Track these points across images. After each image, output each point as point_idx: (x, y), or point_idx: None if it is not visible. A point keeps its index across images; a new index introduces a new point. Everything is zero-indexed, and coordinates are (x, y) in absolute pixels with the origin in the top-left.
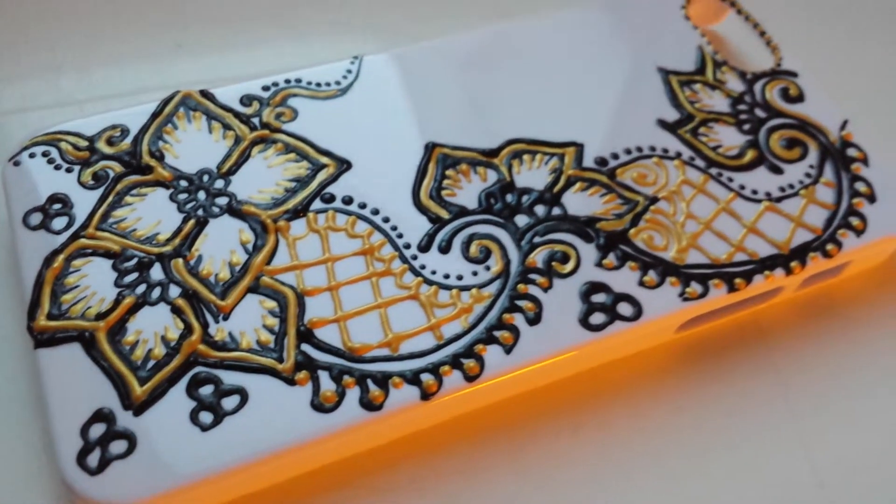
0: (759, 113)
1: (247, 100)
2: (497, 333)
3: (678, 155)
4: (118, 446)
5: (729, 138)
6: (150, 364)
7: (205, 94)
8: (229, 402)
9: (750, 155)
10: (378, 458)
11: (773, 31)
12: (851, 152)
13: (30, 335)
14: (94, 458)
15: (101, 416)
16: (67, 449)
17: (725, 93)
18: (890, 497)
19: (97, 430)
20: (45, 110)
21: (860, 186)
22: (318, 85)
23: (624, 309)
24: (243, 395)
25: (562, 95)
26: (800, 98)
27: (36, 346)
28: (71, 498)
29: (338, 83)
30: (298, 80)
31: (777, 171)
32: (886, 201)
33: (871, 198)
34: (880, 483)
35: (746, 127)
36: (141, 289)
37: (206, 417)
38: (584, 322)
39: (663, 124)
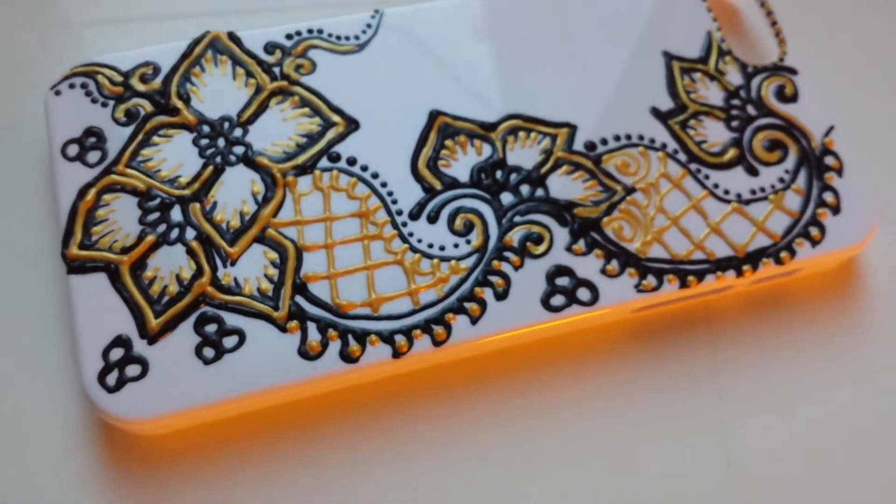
0: (751, 110)
1: (270, 47)
2: (467, 305)
3: (663, 146)
4: (133, 370)
5: (715, 134)
6: (165, 299)
7: (232, 37)
8: (229, 341)
9: (731, 153)
10: (349, 397)
11: (792, 18)
12: (829, 160)
13: (63, 261)
14: (112, 378)
15: (120, 341)
16: (90, 368)
17: (723, 85)
18: (787, 484)
19: (116, 353)
20: (87, 28)
21: (828, 196)
22: (338, 38)
23: (583, 294)
24: (242, 336)
25: (568, 70)
26: (794, 98)
27: (68, 271)
28: (91, 410)
29: (357, 38)
30: (320, 31)
31: (753, 172)
32: (849, 214)
33: (836, 209)
34: (782, 470)
35: (735, 124)
36: (161, 228)
37: (208, 352)
38: (546, 303)
39: (656, 113)
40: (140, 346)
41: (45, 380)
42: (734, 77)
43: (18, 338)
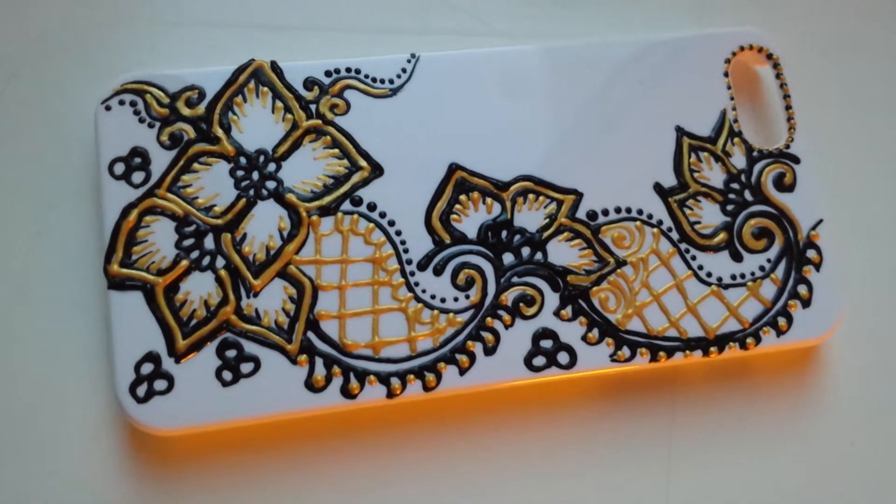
0: (747, 196)
1: (310, 83)
2: (458, 356)
3: (659, 223)
4: (160, 384)
5: (710, 216)
6: (193, 322)
7: (275, 67)
8: (246, 367)
9: (720, 237)
10: (346, 419)
11: (810, 97)
12: (810, 254)
13: (105, 276)
14: (142, 390)
15: (151, 357)
16: (123, 379)
17: (726, 167)
18: None
19: (147, 368)
20: (140, 29)
21: (802, 289)
22: (374, 80)
23: (562, 357)
24: (257, 363)
25: (585, 135)
26: (791, 187)
27: (109, 287)
28: (123, 416)
29: (391, 81)
30: (358, 71)
31: (738, 258)
32: (817, 308)
33: (807, 302)
34: None
35: (730, 208)
36: (195, 255)
37: (227, 375)
38: (528, 362)
39: (658, 189)
40: (168, 364)
41: (81, 383)
42: (738, 160)
43: (60, 342)
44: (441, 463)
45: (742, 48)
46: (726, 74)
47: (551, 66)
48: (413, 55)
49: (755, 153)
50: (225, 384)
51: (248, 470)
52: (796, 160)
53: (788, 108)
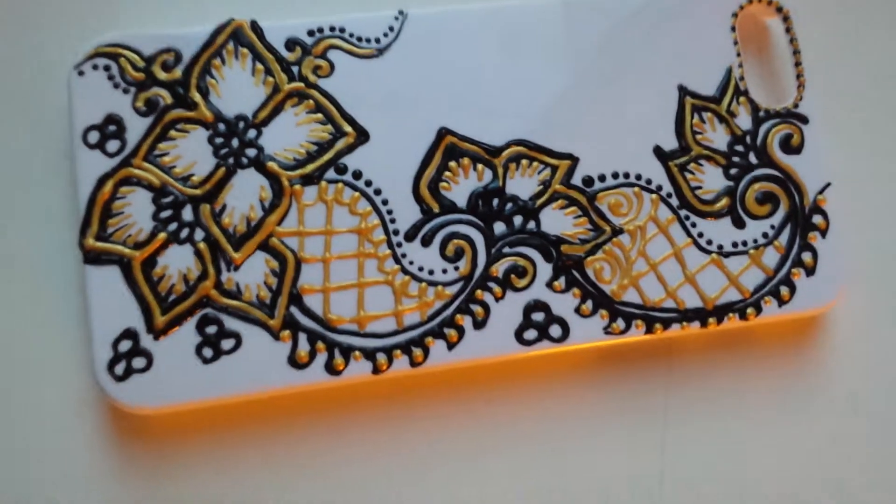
0: (752, 158)
1: (291, 44)
2: (446, 330)
3: (658, 189)
4: (139, 362)
5: (712, 181)
6: (172, 298)
7: (255, 27)
8: (227, 344)
9: (722, 202)
10: (331, 394)
11: (822, 53)
12: (816, 219)
13: (80, 250)
14: (120, 368)
15: (129, 334)
16: (101, 356)
17: (731, 128)
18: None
19: (125, 345)
20: None
21: (806, 256)
22: (359, 39)
23: (554, 330)
24: (238, 339)
25: (583, 95)
26: (798, 149)
27: (85, 261)
28: (101, 395)
29: (377, 41)
30: (342, 30)
31: (740, 224)
32: (822, 276)
33: (811, 270)
34: (708, 496)
35: (733, 171)
36: (173, 227)
37: (207, 352)
38: (519, 336)
39: (659, 152)
40: (146, 341)
41: (58, 361)
42: (744, 120)
43: (36, 320)
44: (429, 438)
45: (751, 0)
46: (733, 29)
47: (546, 22)
48: (400, 12)
49: (762, 113)
50: (205, 361)
51: (229, 448)
52: (805, 120)
53: (798, 64)
